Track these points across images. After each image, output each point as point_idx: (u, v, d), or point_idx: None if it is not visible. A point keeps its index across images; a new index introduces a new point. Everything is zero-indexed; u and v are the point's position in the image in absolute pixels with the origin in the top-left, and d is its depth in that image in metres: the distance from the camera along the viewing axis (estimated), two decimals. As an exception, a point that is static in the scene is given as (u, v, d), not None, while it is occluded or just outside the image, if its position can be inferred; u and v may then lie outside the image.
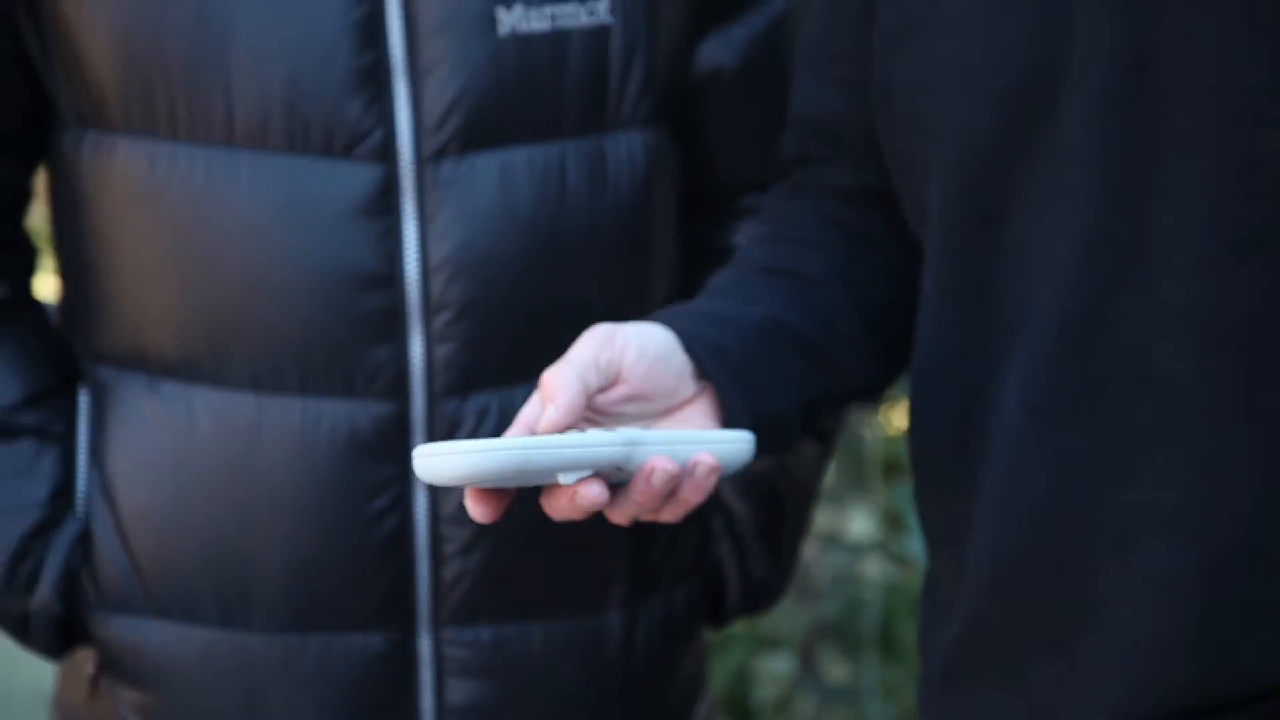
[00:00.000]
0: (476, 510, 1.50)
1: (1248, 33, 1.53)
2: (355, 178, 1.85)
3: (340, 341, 1.87)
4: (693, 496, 1.51)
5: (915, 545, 3.13)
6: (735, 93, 2.02)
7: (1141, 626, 1.58)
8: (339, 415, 1.88)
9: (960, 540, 1.70)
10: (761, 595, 2.12)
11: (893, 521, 3.21)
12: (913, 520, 3.16)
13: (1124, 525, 1.59)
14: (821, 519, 2.99)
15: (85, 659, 1.98)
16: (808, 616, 3.30)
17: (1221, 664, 1.57)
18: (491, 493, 1.50)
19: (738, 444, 1.57)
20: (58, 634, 1.96)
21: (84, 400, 1.99)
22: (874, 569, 3.23)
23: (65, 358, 2.02)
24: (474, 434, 1.78)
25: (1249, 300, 1.55)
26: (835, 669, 3.28)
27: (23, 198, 2.03)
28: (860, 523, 3.24)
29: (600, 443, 1.48)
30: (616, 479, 1.50)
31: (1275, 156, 1.53)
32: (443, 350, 1.88)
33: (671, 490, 1.50)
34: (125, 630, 1.94)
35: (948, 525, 1.74)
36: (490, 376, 1.89)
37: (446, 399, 1.88)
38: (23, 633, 1.98)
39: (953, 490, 1.72)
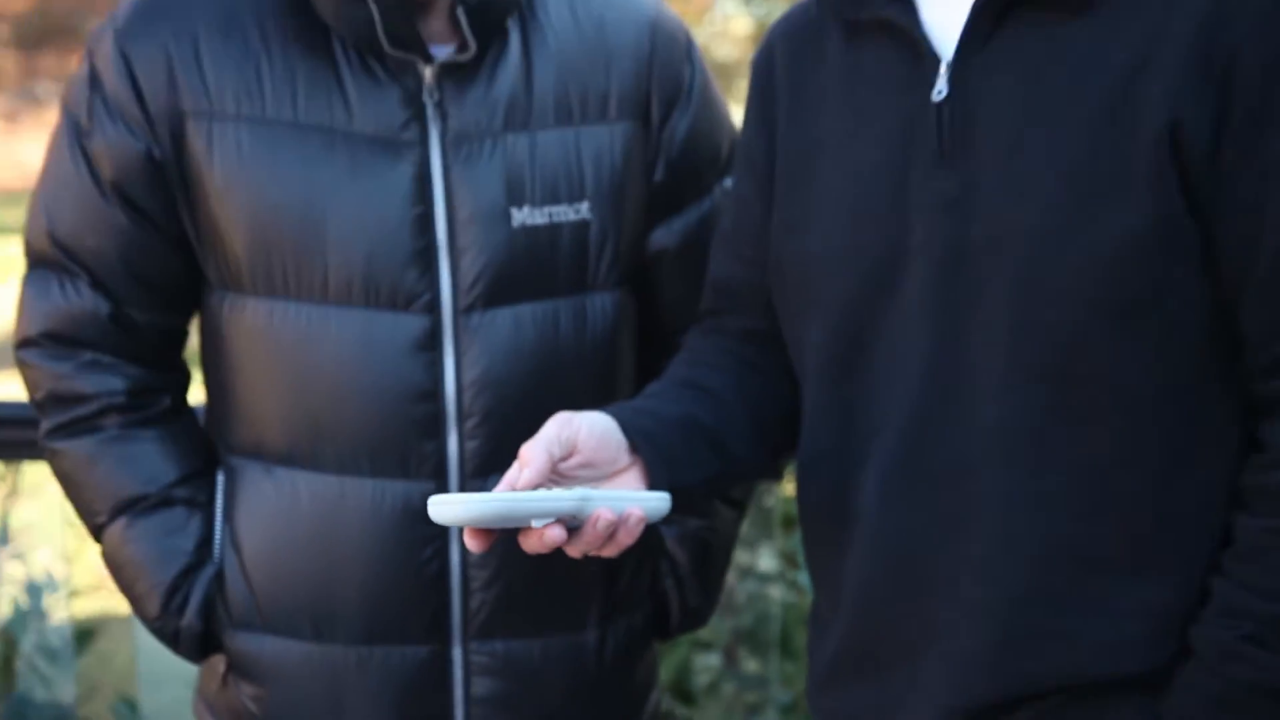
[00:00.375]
0: (471, 543, 1.57)
1: (1032, 229, 1.57)
2: (412, 325, 1.89)
3: (399, 439, 1.90)
4: (626, 539, 1.58)
5: (805, 578, 3.11)
6: (674, 266, 2.04)
7: (962, 644, 1.63)
8: (398, 491, 1.90)
9: (836, 582, 1.74)
10: (695, 617, 2.13)
11: (789, 559, 3.21)
12: (804, 560, 3.25)
13: (950, 573, 1.63)
14: (739, 556, 2.96)
15: (218, 661, 2.01)
16: (730, 626, 3.30)
17: (1017, 671, 1.61)
18: (483, 531, 1.56)
19: (659, 502, 1.62)
20: (199, 645, 1.99)
21: (220, 479, 2.00)
22: (776, 592, 3.23)
23: (208, 449, 2.03)
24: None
25: (1036, 415, 1.59)
26: (750, 663, 3.27)
27: (182, 337, 2.02)
28: (766, 559, 3.23)
29: (561, 498, 1.54)
30: (573, 524, 1.55)
31: (1052, 314, 1.56)
32: (471, 445, 1.91)
33: (611, 534, 1.56)
34: (246, 642, 1.97)
35: (826, 571, 1.77)
36: (505, 462, 1.75)
37: (474, 479, 1.90)
38: (175, 643, 2.00)
39: (830, 547, 1.75)
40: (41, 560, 3.80)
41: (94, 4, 27.73)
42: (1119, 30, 1.56)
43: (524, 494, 1.55)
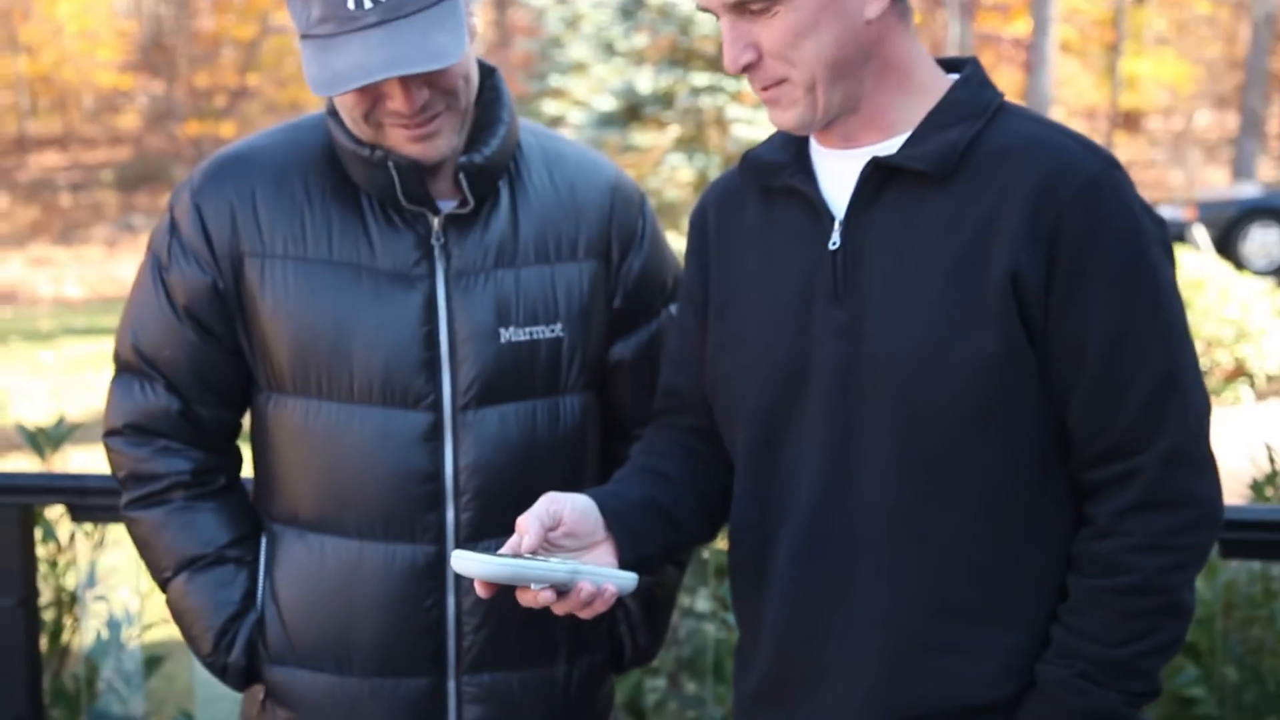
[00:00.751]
0: (481, 590, 1.56)
1: (907, 352, 1.59)
2: (419, 420, 1.88)
3: (408, 510, 1.88)
4: (601, 607, 1.59)
5: (734, 617, 3.23)
6: (630, 374, 2.02)
7: (856, 682, 1.63)
8: (406, 553, 1.89)
9: (757, 629, 1.74)
10: (645, 655, 2.11)
11: (721, 602, 3.19)
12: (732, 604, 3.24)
13: (845, 624, 1.63)
14: (681, 598, 2.96)
15: (258, 690, 1.99)
16: (673, 655, 3.28)
17: (900, 703, 1.62)
18: (490, 584, 1.55)
19: (629, 579, 1.63)
20: (243, 677, 1.97)
21: (264, 541, 1.99)
22: (711, 629, 3.21)
23: (254, 517, 2.01)
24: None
25: (912, 499, 1.60)
26: (689, 686, 3.25)
27: (237, 428, 2.02)
28: (703, 601, 3.20)
29: (557, 569, 1.55)
30: (561, 589, 1.56)
31: (923, 419, 1.58)
32: (465, 516, 1.89)
33: (590, 602, 1.57)
34: (281, 674, 1.96)
35: (749, 619, 1.77)
36: (491, 531, 1.88)
37: (466, 543, 1.88)
38: (223, 675, 1.98)
39: (752, 600, 1.75)
40: (121, 599, 3.76)
41: (179, 155, 27.94)
42: (973, 196, 1.59)
43: (530, 562, 1.56)
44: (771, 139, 1.77)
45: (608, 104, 11.22)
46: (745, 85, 9.90)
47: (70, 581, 3.70)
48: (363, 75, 1.74)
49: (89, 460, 5.84)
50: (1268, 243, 15.90)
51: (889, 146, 1.64)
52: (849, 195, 1.65)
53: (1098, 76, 28.33)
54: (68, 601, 3.69)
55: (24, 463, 7.69)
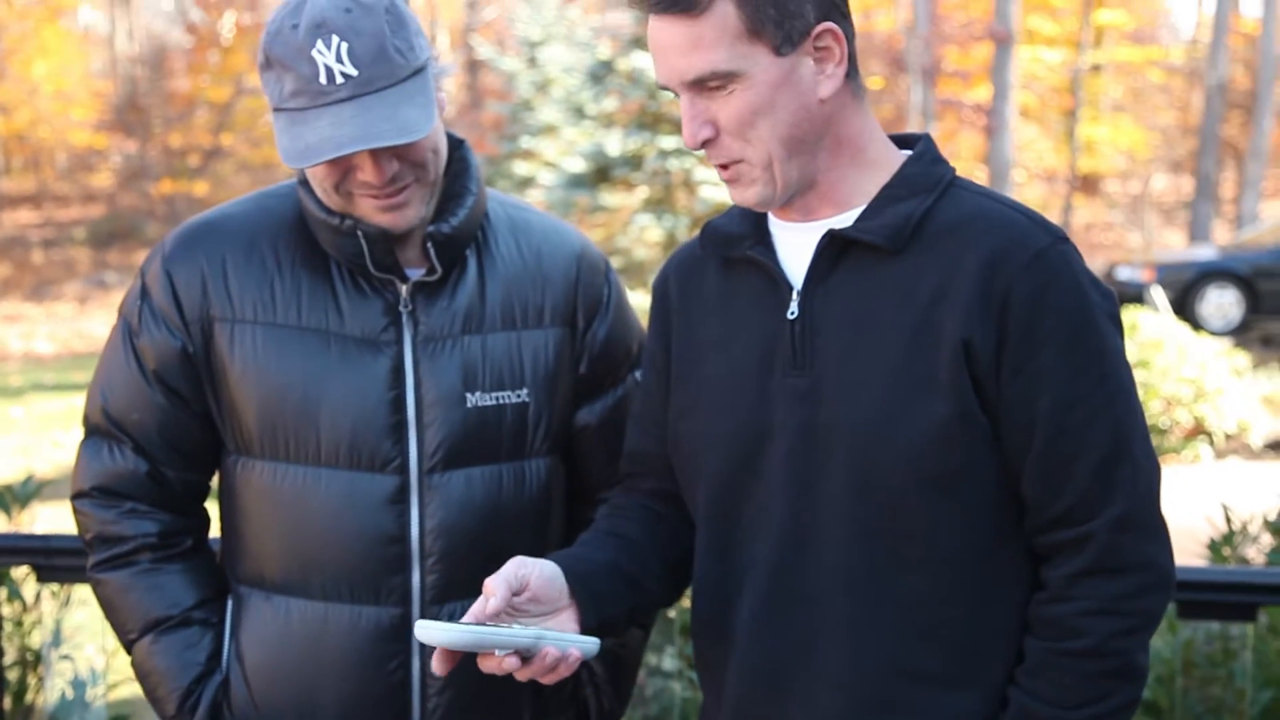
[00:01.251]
0: (438, 665, 1.56)
1: (862, 417, 1.59)
2: (386, 483, 1.88)
3: (374, 573, 1.88)
4: (565, 672, 1.58)
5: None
6: (595, 438, 2.03)
7: None
8: (371, 615, 1.88)
9: (719, 688, 1.74)
10: (610, 717, 2.08)
11: (687, 660, 3.13)
12: None
13: (805, 685, 1.64)
14: (648, 658, 2.97)
15: None
16: (640, 714, 3.25)
17: None
18: (449, 653, 1.56)
19: (592, 644, 1.62)
20: None
21: (230, 603, 1.97)
22: (677, 687, 3.18)
23: (220, 578, 2.00)
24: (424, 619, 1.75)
25: (869, 561, 1.61)
26: None
27: (204, 490, 2.00)
28: (669, 660, 3.19)
29: (521, 634, 1.55)
30: (525, 654, 1.56)
31: (879, 482, 1.59)
32: (430, 578, 1.89)
33: (555, 667, 1.57)
34: None
35: (711, 678, 1.77)
36: (456, 592, 1.88)
37: (432, 605, 1.88)
38: None
39: (714, 660, 1.75)
40: (86, 657, 3.72)
41: (152, 213, 27.84)
42: (925, 268, 1.61)
43: (493, 628, 1.55)
44: (731, 211, 1.79)
45: (577, 165, 11.28)
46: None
47: (35, 640, 3.66)
48: (333, 148, 1.75)
49: (57, 517, 5.79)
50: (1224, 304, 16.05)
51: (844, 220, 1.66)
52: (806, 266, 1.67)
53: (1057, 141, 28.62)
54: (32, 660, 3.65)
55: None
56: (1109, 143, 28.52)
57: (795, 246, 1.70)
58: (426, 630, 1.54)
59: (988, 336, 1.57)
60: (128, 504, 1.95)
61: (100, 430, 1.97)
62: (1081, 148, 27.96)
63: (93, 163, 30.94)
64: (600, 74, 11.67)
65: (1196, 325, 14.41)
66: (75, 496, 1.99)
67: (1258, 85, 24.59)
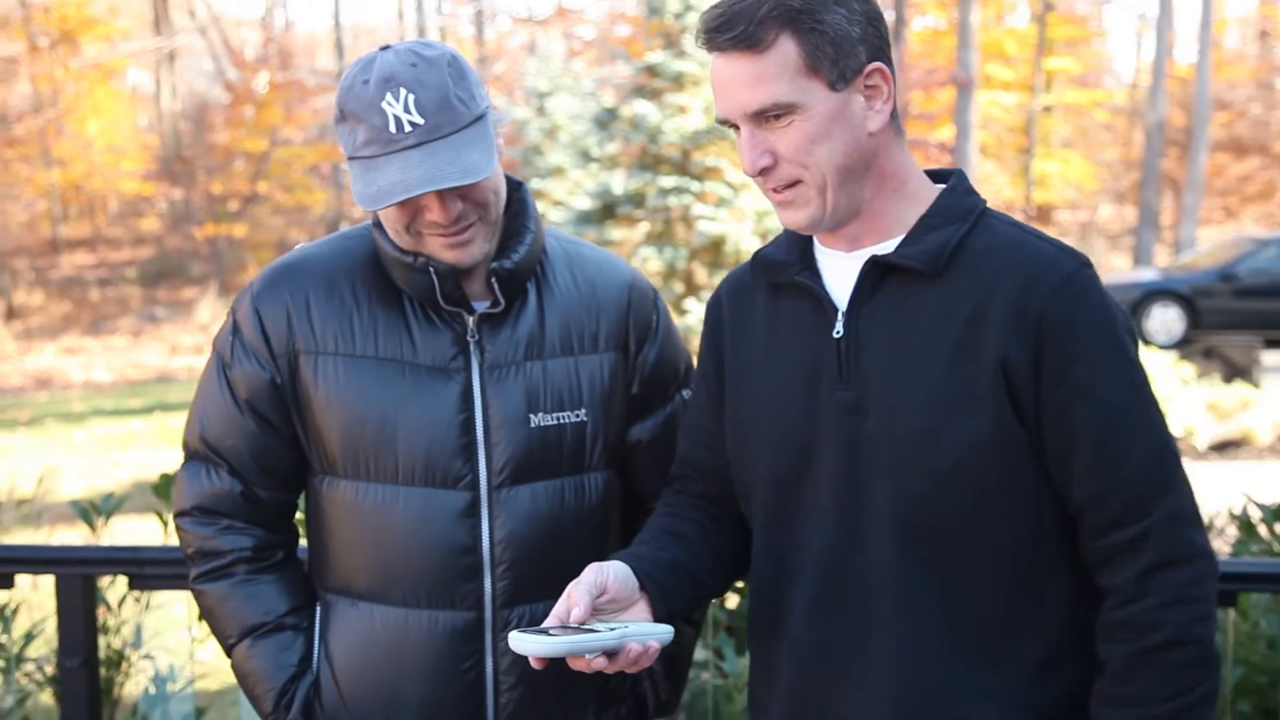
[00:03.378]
0: (535, 663, 1.56)
1: (906, 431, 1.58)
2: (458, 498, 1.86)
3: (449, 581, 1.86)
4: (646, 662, 1.58)
5: (729, 666, 3.06)
6: (647, 453, 2.01)
7: None
8: (447, 619, 1.86)
9: (774, 678, 1.73)
10: (667, 708, 2.07)
11: (717, 652, 3.15)
12: (729, 654, 3.09)
13: (861, 673, 1.62)
14: None
15: None
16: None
17: None
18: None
19: (667, 633, 1.62)
20: None
21: (318, 609, 1.96)
22: (708, 676, 3.18)
23: (309, 587, 1.99)
24: (515, 629, 1.68)
25: (914, 559, 1.59)
26: None
27: (293, 508, 2.00)
28: (700, 652, 3.18)
29: (607, 638, 1.55)
30: (610, 652, 1.56)
31: (922, 490, 1.57)
32: (501, 585, 1.87)
33: (638, 659, 1.57)
34: None
35: (765, 668, 1.76)
36: (525, 597, 1.87)
37: (503, 609, 1.86)
38: None
39: (768, 652, 1.74)
40: (163, 656, 3.72)
41: (196, 253, 27.81)
42: (962, 291, 1.60)
43: (580, 636, 1.55)
44: (778, 240, 1.79)
45: (585, 204, 11.28)
46: (709, 186, 9.98)
47: (118, 642, 3.65)
48: (403, 190, 1.75)
49: (125, 529, 5.77)
50: (1168, 320, 16.09)
51: (886, 247, 1.65)
52: (850, 290, 1.66)
53: (1012, 175, 28.68)
54: (115, 660, 3.64)
55: (72, 535, 7.57)
56: (1060, 176, 28.61)
57: (840, 272, 1.69)
58: (521, 643, 1.54)
59: (1024, 355, 1.55)
60: (225, 521, 1.94)
61: (199, 455, 1.96)
62: (1035, 181, 28.06)
63: (141, 209, 30.95)
64: (605, 120, 11.67)
65: (1143, 340, 14.43)
66: (178, 515, 1.97)
67: (1193, 123, 24.69)
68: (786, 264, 1.73)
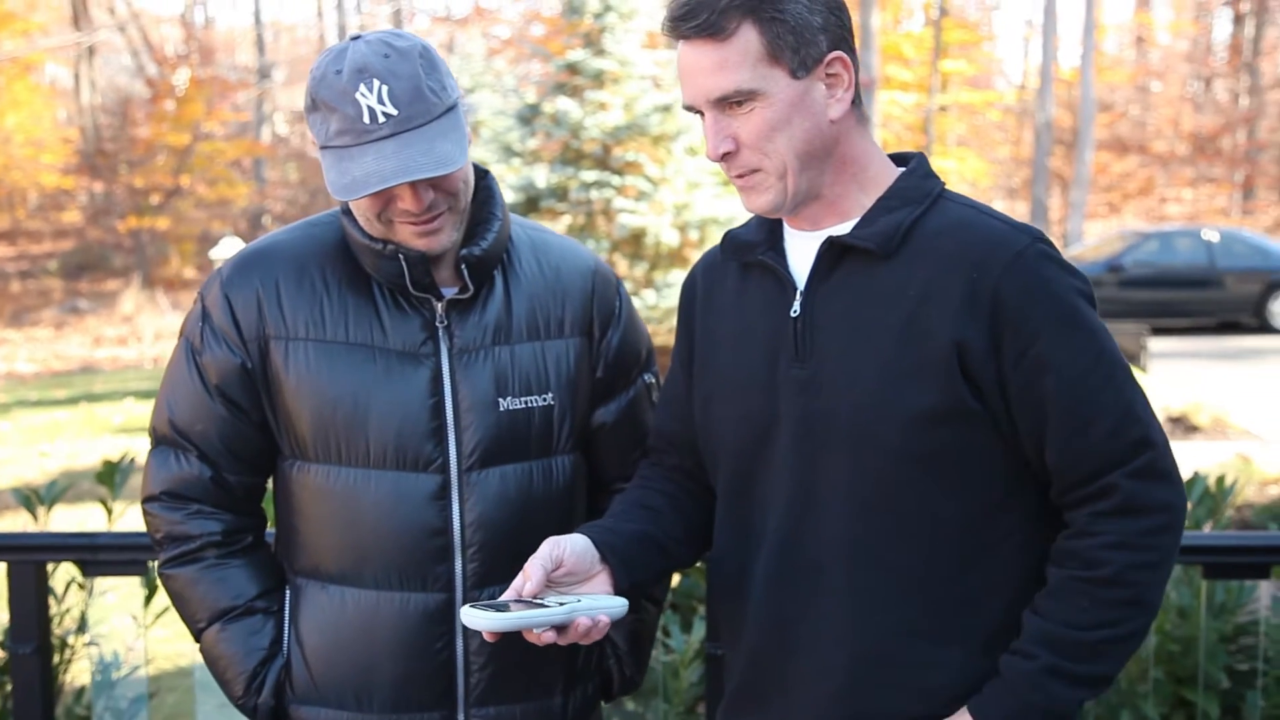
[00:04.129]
0: (488, 635, 1.56)
1: (857, 404, 1.58)
2: (429, 481, 1.83)
3: (420, 562, 1.83)
4: (598, 634, 1.58)
5: (675, 643, 3.10)
6: (611, 435, 1.99)
7: (819, 689, 1.63)
8: (419, 601, 1.83)
9: (736, 640, 1.74)
10: (631, 685, 2.06)
11: (663, 629, 3.12)
12: (674, 629, 3.17)
13: (811, 636, 1.62)
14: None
15: None
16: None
17: (858, 710, 1.61)
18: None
19: (619, 606, 1.61)
20: (271, 716, 1.89)
21: (288, 594, 1.92)
22: (655, 652, 3.16)
23: (279, 571, 1.94)
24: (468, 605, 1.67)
25: (866, 531, 1.59)
26: (631, 704, 3.15)
27: (262, 492, 1.95)
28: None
29: (554, 613, 1.54)
30: (560, 627, 1.56)
31: (873, 462, 1.57)
32: (471, 566, 1.84)
33: (587, 633, 1.56)
34: (307, 713, 1.89)
35: (730, 634, 1.76)
36: (494, 578, 1.83)
37: (474, 590, 1.83)
38: (253, 716, 1.89)
39: (732, 616, 1.74)
40: (109, 642, 3.63)
41: (119, 245, 27.16)
42: (914, 271, 1.60)
43: (528, 612, 1.55)
44: (749, 223, 1.78)
45: (509, 197, 11.20)
46: (629, 180, 9.94)
47: (63, 629, 3.57)
48: (379, 181, 1.71)
49: (60, 518, 5.62)
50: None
51: (844, 228, 1.65)
52: (809, 269, 1.66)
53: (912, 172, 28.99)
54: (59, 646, 3.55)
55: (12, 521, 7.35)
56: (956, 173, 29.01)
57: (802, 252, 1.69)
58: (471, 617, 1.53)
59: (979, 335, 1.55)
60: (194, 506, 1.88)
61: (167, 440, 1.90)
62: (933, 177, 28.37)
63: (62, 202, 30.17)
64: (527, 117, 11.57)
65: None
66: (146, 500, 1.91)
67: (1079, 123, 25.19)
68: (754, 244, 1.73)
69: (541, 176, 10.99)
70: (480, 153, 11.88)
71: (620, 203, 10.52)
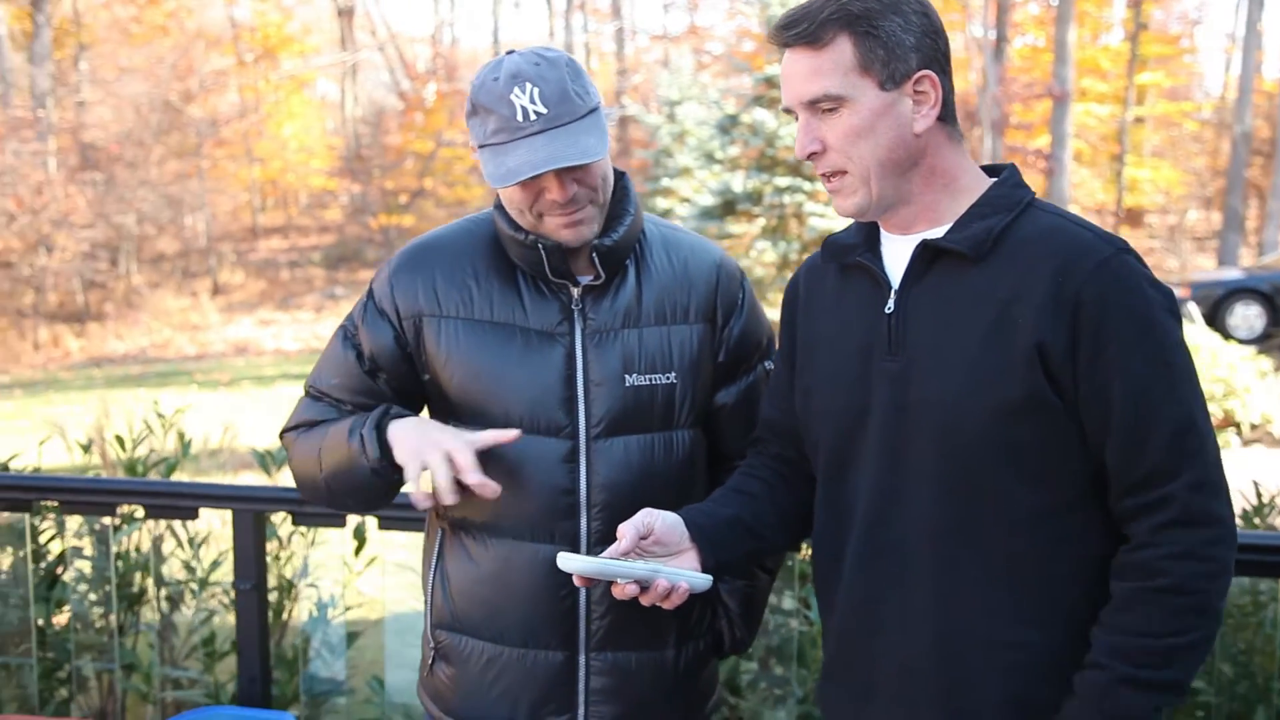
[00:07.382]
0: (578, 582, 1.61)
1: (945, 396, 1.56)
2: (560, 446, 1.87)
3: (550, 518, 1.87)
4: (677, 600, 1.62)
5: (814, 614, 3.05)
6: (730, 416, 1.99)
7: (906, 664, 1.61)
8: (548, 552, 1.86)
9: (829, 613, 1.74)
10: (741, 645, 2.06)
11: (804, 601, 3.12)
12: (813, 601, 3.11)
13: (895, 616, 1.61)
14: (770, 599, 2.97)
15: (429, 653, 1.99)
16: (764, 644, 3.21)
17: (941, 686, 1.58)
18: (585, 578, 1.61)
19: (703, 580, 1.65)
20: (378, 441, 1.84)
21: (438, 535, 1.98)
22: (794, 623, 3.15)
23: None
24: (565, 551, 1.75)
25: (951, 516, 1.57)
26: (777, 669, 3.18)
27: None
28: (788, 600, 3.15)
29: (637, 568, 1.59)
30: (643, 584, 1.60)
31: (960, 452, 1.55)
32: (595, 524, 1.87)
33: (666, 596, 1.61)
34: (447, 639, 1.96)
35: (825, 612, 1.76)
36: (615, 537, 1.76)
37: (595, 546, 1.85)
38: (362, 448, 1.84)
39: (827, 594, 1.74)
40: (326, 587, 3.81)
41: (371, 240, 28.39)
42: (1003, 274, 1.57)
43: (616, 562, 1.60)
44: (849, 228, 1.78)
45: (708, 200, 11.26)
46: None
47: (288, 571, 3.78)
48: (530, 169, 1.77)
49: (286, 476, 5.95)
50: (1249, 316, 15.47)
51: (937, 232, 1.64)
52: (903, 270, 1.65)
53: (1105, 181, 27.77)
54: (285, 587, 3.76)
55: (252, 477, 7.85)
56: (1150, 182, 27.62)
57: (897, 255, 1.67)
58: (565, 560, 1.59)
59: (1060, 337, 1.51)
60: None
61: (312, 393, 2.02)
62: (1126, 186, 27.14)
63: (326, 201, 31.75)
64: (727, 126, 11.61)
65: (1226, 334, 13.93)
66: (282, 433, 2.03)
67: (1277, 134, 23.56)
68: (852, 246, 1.73)
69: (738, 182, 11.01)
70: (684, 159, 11.98)
71: (811, 207, 10.44)
